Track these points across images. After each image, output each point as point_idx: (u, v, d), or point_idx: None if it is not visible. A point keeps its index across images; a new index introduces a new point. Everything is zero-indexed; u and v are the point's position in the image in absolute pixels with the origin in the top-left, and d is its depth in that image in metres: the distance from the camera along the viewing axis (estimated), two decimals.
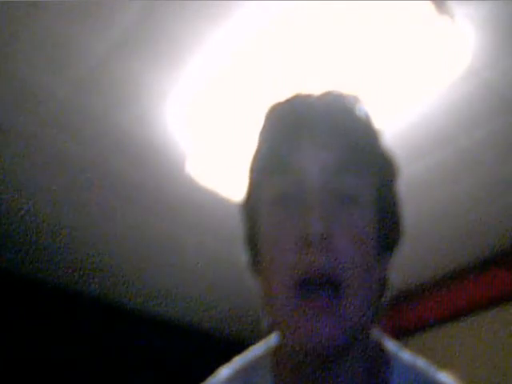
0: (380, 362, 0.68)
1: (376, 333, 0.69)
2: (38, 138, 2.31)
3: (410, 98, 2.02)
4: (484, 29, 1.82)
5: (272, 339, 0.73)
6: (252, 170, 0.70)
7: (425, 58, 1.84)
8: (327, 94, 0.69)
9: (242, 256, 0.70)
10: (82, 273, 3.24)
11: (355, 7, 1.68)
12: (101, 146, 2.35)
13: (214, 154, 2.27)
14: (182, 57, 1.95)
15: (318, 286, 0.59)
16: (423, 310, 3.22)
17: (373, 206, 0.65)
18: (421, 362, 0.69)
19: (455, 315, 3.06)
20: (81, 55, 1.95)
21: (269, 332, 0.69)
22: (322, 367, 0.63)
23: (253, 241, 0.68)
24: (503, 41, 1.87)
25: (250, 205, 0.70)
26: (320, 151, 0.64)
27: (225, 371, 0.75)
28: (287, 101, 0.70)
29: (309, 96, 0.69)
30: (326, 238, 0.59)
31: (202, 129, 2.18)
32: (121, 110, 2.17)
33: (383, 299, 0.67)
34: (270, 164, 0.66)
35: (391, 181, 0.69)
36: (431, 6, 1.68)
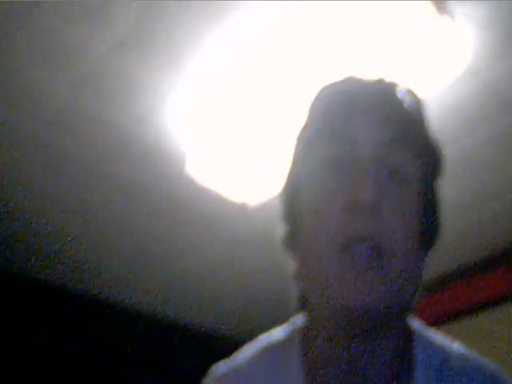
0: (407, 340, 0.68)
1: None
2: (38, 138, 2.31)
3: None
4: (484, 29, 1.82)
5: (298, 321, 0.72)
6: (300, 139, 0.70)
7: (425, 57, 1.84)
8: (380, 80, 0.70)
9: (280, 231, 0.70)
10: (81, 273, 3.24)
11: (355, 7, 1.68)
12: (101, 146, 2.35)
13: (214, 154, 2.27)
14: (182, 57, 1.95)
15: (363, 246, 0.59)
16: (423, 309, 3.21)
17: (418, 191, 0.65)
18: (447, 341, 0.70)
19: (455, 315, 3.06)
20: (81, 55, 1.95)
21: (299, 305, 0.69)
22: (356, 341, 0.62)
23: (294, 210, 0.68)
24: (503, 41, 1.87)
25: (295, 174, 0.69)
26: (374, 125, 0.64)
27: (250, 348, 0.74)
28: (341, 81, 0.71)
29: (362, 79, 0.71)
30: (375, 207, 0.59)
31: (201, 129, 2.18)
32: (121, 110, 2.17)
33: (418, 293, 0.67)
34: (323, 131, 0.66)
35: (437, 175, 0.70)
36: (431, 6, 1.68)
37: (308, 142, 0.68)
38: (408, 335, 0.68)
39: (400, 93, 0.68)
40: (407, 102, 0.68)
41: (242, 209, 2.37)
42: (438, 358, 0.67)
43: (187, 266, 3.19)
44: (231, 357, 0.74)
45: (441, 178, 0.70)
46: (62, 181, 2.55)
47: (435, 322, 3.17)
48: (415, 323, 0.70)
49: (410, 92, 0.69)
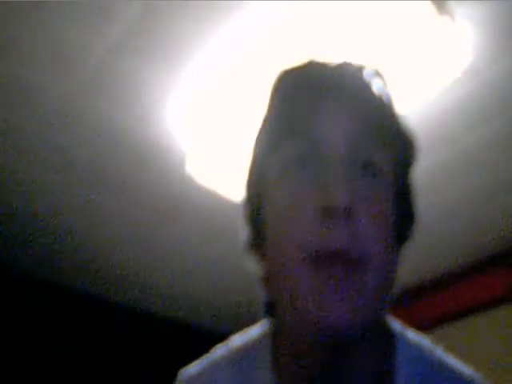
0: (385, 341, 0.65)
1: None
2: (38, 138, 2.31)
3: (409, 97, 2.03)
4: (484, 29, 1.82)
5: (267, 322, 0.68)
6: (261, 135, 0.64)
7: (425, 57, 1.84)
8: (345, 64, 0.63)
9: (242, 235, 0.65)
10: (82, 273, 3.24)
11: (355, 7, 1.68)
12: (101, 146, 2.35)
13: (214, 154, 2.27)
14: (183, 57, 1.95)
15: (336, 261, 0.54)
16: (423, 310, 3.22)
17: (392, 184, 0.60)
18: (426, 342, 0.67)
19: (455, 315, 3.06)
20: (81, 55, 1.95)
21: (267, 311, 0.66)
22: (328, 358, 0.59)
23: (257, 214, 0.62)
24: (503, 41, 1.87)
25: (256, 174, 0.64)
26: (343, 114, 0.58)
27: (221, 349, 0.71)
28: (301, 67, 0.63)
29: (325, 63, 0.63)
30: (349, 211, 0.54)
31: (202, 129, 2.18)
32: (121, 110, 2.17)
33: (392, 291, 0.62)
34: (285, 126, 0.60)
35: (410, 163, 0.65)
36: (431, 6, 1.68)
37: (269, 138, 0.62)
38: (387, 339, 0.65)
39: (368, 76, 0.62)
40: (376, 86, 0.62)
41: (241, 208, 2.37)
42: (421, 362, 0.63)
43: (187, 265, 3.19)
44: (201, 358, 0.72)
45: (414, 166, 0.65)
46: (61, 180, 2.55)
47: (435, 322, 3.17)
48: (396, 325, 0.67)
49: (377, 74, 0.63)
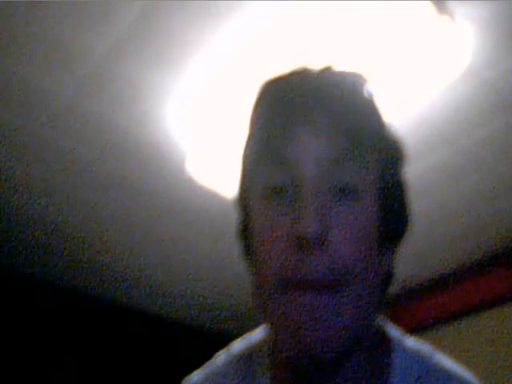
0: (382, 348, 0.64)
1: (379, 320, 0.66)
2: (38, 138, 2.32)
3: (409, 98, 2.03)
4: (484, 29, 1.82)
5: (266, 328, 0.69)
6: (244, 158, 0.64)
7: (425, 57, 1.84)
8: (327, 71, 0.63)
9: (237, 247, 0.67)
10: (81, 273, 3.24)
11: (355, 7, 1.68)
12: (101, 146, 2.35)
13: (214, 154, 2.27)
14: (182, 57, 1.95)
15: (312, 287, 0.54)
16: (423, 309, 3.22)
17: (375, 195, 0.59)
18: (426, 348, 0.66)
19: (455, 315, 3.07)
20: (81, 55, 1.95)
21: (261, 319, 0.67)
22: (317, 374, 0.59)
23: (245, 232, 0.64)
24: (503, 41, 1.87)
25: (243, 195, 0.65)
26: (316, 138, 0.57)
27: (222, 356, 0.73)
28: (282, 78, 0.63)
29: (307, 73, 0.63)
30: (321, 239, 0.53)
31: (202, 129, 2.18)
32: (121, 110, 2.17)
33: (386, 292, 0.62)
34: (262, 153, 0.60)
35: (396, 166, 0.64)
36: (431, 6, 1.68)
37: (249, 163, 0.63)
38: (383, 343, 0.65)
39: (351, 86, 0.61)
40: (359, 95, 0.61)
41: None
42: (417, 366, 0.63)
43: (187, 265, 3.19)
44: (203, 366, 0.73)
45: (404, 166, 0.64)
46: (61, 180, 2.56)
47: (435, 322, 3.17)
48: (394, 331, 0.67)
49: (363, 81, 0.62)
